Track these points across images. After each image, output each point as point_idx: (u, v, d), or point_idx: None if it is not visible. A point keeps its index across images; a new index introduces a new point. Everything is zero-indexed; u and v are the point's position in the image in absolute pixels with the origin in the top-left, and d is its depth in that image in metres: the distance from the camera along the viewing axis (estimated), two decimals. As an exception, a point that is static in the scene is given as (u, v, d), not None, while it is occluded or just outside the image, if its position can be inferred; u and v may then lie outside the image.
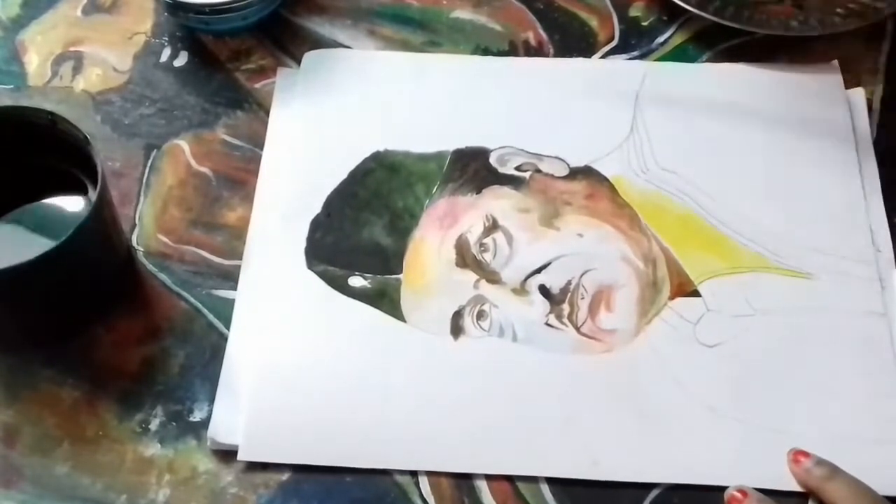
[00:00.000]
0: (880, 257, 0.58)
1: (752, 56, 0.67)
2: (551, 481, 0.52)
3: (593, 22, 0.69)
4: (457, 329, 0.56)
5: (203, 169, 0.63)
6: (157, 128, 0.64)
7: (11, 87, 0.66)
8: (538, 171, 0.62)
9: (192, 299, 0.58)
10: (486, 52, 0.68)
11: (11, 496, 0.51)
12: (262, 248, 0.59)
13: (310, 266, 0.58)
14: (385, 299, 0.57)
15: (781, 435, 0.52)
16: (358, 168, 0.62)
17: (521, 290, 0.57)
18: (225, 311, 0.57)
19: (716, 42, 0.68)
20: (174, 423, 0.54)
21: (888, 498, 0.50)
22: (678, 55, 0.68)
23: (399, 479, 0.52)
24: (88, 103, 0.65)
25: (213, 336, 0.56)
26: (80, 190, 0.56)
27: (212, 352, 0.56)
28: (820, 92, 0.65)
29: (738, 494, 0.50)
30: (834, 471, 0.50)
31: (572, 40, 0.68)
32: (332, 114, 0.64)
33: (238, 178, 0.62)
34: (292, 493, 0.52)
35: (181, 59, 0.68)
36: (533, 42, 0.68)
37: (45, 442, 0.53)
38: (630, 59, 0.67)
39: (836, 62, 0.66)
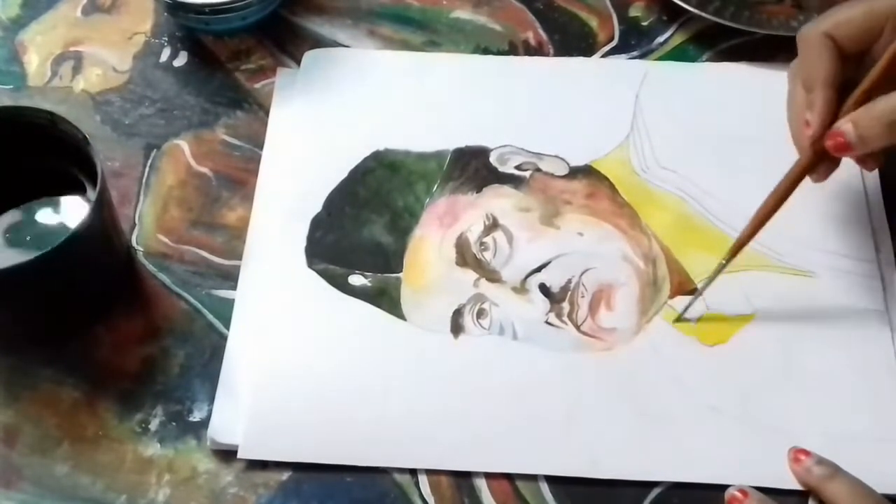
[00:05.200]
0: (881, 256, 0.58)
1: (752, 56, 0.67)
2: (551, 480, 0.52)
3: (593, 22, 0.69)
4: (457, 327, 0.56)
5: (203, 169, 0.63)
6: (156, 128, 0.64)
7: (11, 87, 0.66)
8: (538, 170, 0.62)
9: (191, 299, 0.58)
10: (486, 52, 0.68)
11: (11, 496, 0.51)
12: (262, 248, 0.59)
13: (310, 265, 0.58)
14: (385, 298, 0.57)
15: (781, 434, 0.52)
16: (358, 167, 0.62)
17: (521, 288, 0.57)
18: (225, 311, 0.57)
19: (716, 42, 0.68)
20: (174, 423, 0.53)
21: (888, 497, 0.49)
22: (678, 55, 0.68)
23: (399, 479, 0.52)
24: (88, 103, 0.65)
25: (213, 336, 0.56)
26: (80, 190, 0.56)
27: (212, 352, 0.56)
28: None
29: (739, 494, 0.50)
30: (834, 470, 0.50)
31: (572, 40, 0.68)
32: (332, 113, 0.64)
33: (238, 178, 0.62)
34: (292, 493, 0.52)
35: (181, 59, 0.67)
36: (533, 42, 0.68)
37: (45, 442, 0.53)
38: (630, 59, 0.67)
39: (835, 62, 0.66)
